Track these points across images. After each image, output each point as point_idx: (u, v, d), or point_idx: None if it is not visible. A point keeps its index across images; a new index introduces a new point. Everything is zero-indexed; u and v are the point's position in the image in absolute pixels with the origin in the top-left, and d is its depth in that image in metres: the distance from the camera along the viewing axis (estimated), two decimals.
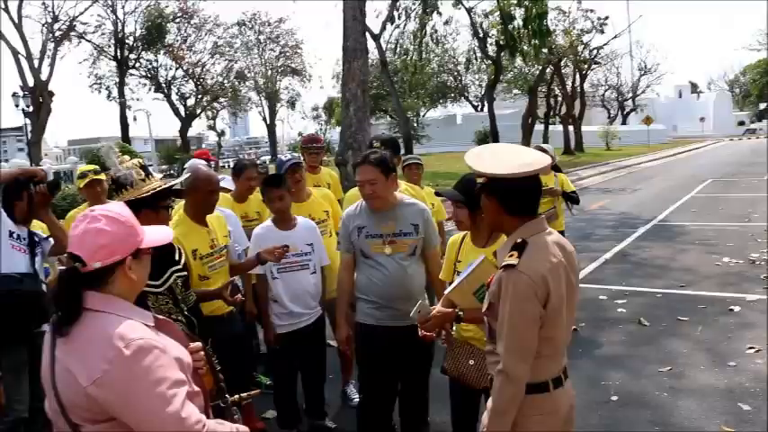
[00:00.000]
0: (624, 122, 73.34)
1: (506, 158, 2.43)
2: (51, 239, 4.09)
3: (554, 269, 2.35)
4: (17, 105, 30.63)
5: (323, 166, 6.29)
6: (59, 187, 3.98)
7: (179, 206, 4.14)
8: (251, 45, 47.62)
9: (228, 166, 56.25)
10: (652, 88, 72.74)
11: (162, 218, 2.97)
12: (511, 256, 2.34)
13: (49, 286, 4.55)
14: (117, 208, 1.91)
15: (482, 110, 51.49)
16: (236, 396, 2.48)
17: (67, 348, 1.75)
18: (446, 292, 3.28)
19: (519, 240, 2.37)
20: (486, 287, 2.55)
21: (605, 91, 69.10)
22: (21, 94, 30.39)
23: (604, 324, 6.78)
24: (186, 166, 4.83)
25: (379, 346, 3.84)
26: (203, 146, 74.12)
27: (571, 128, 48.06)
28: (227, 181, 6.09)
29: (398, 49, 33.62)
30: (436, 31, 31.38)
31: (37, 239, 4.05)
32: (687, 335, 6.26)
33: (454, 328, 3.39)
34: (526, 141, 34.55)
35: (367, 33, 19.03)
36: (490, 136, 34.72)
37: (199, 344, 2.13)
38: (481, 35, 31.37)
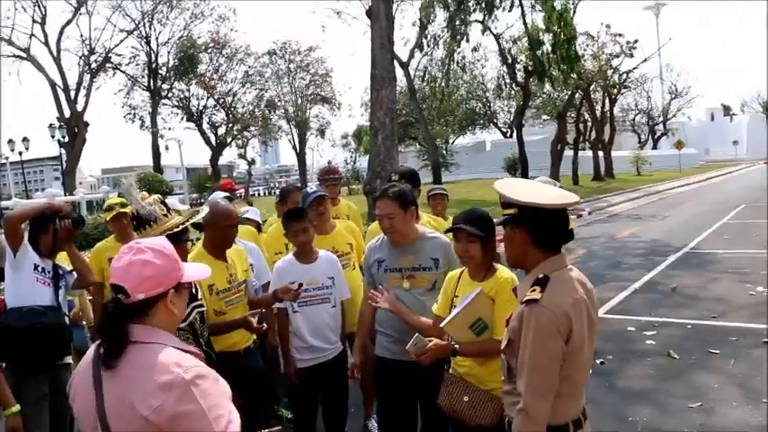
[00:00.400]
0: (655, 147, 72.49)
1: (540, 191, 2.43)
2: (75, 273, 4.16)
3: (576, 305, 2.31)
4: (53, 136, 31.43)
5: (342, 198, 6.30)
6: (84, 223, 4.08)
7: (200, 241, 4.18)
8: (281, 74, 48.09)
9: (259, 194, 56.81)
10: (683, 112, 71.75)
11: (183, 252, 3.01)
12: (533, 290, 2.31)
13: (71, 319, 4.64)
14: (162, 242, 1.95)
15: (511, 136, 51.36)
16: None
17: (119, 381, 1.77)
18: (442, 324, 3.27)
19: (541, 276, 2.34)
20: (508, 322, 2.51)
21: (635, 115, 68.44)
22: (57, 125, 31.19)
23: (632, 357, 6.65)
24: (208, 200, 4.90)
25: (396, 380, 3.81)
26: (234, 174, 75.03)
27: (601, 153, 47.67)
28: (252, 212, 6.15)
29: (427, 77, 33.84)
30: (464, 58, 31.59)
31: (61, 272, 4.14)
32: (718, 368, 6.10)
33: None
34: (555, 168, 34.35)
35: (395, 61, 19.25)
36: (519, 162, 34.59)
37: None
38: (509, 61, 31.46)
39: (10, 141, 36.77)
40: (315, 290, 4.30)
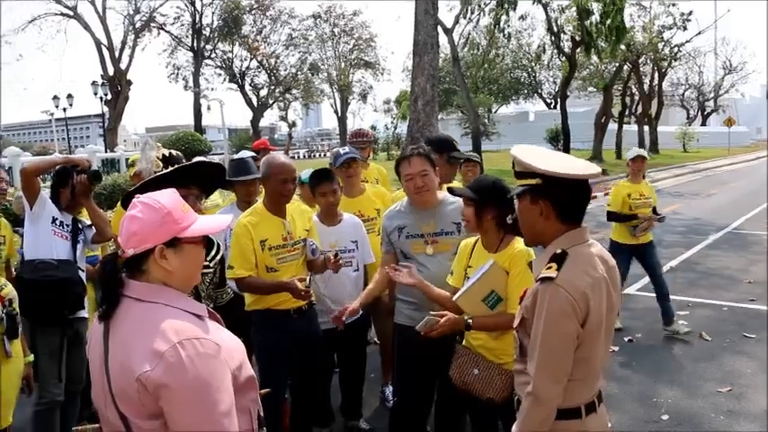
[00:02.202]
0: (704, 123, 70.49)
1: (566, 161, 2.27)
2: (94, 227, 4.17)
3: (595, 284, 2.15)
4: (95, 93, 31.91)
5: (372, 162, 6.19)
6: (100, 178, 4.06)
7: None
8: (325, 37, 47.83)
9: (298, 157, 57.03)
10: (736, 88, 69.35)
11: None
12: (549, 267, 2.16)
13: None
14: (158, 195, 1.86)
15: (555, 107, 50.51)
16: None
17: (119, 337, 1.74)
18: (454, 298, 3.17)
19: (558, 251, 2.19)
20: (522, 298, 2.40)
21: (685, 90, 66.49)
22: (100, 82, 31.64)
23: (662, 336, 6.49)
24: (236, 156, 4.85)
25: (417, 349, 3.66)
26: (275, 136, 75.27)
27: (647, 128, 46.61)
28: None
29: (470, 44, 33.30)
30: (509, 26, 30.92)
31: (80, 227, 4.14)
32: (753, 353, 5.90)
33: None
34: (598, 141, 33.75)
35: (439, 27, 18.93)
36: (562, 134, 34.01)
37: None
38: (556, 31, 30.74)
39: (55, 98, 37.47)
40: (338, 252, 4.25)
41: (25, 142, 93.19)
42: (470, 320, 3.11)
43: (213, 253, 3.07)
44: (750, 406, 4.80)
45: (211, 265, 3.03)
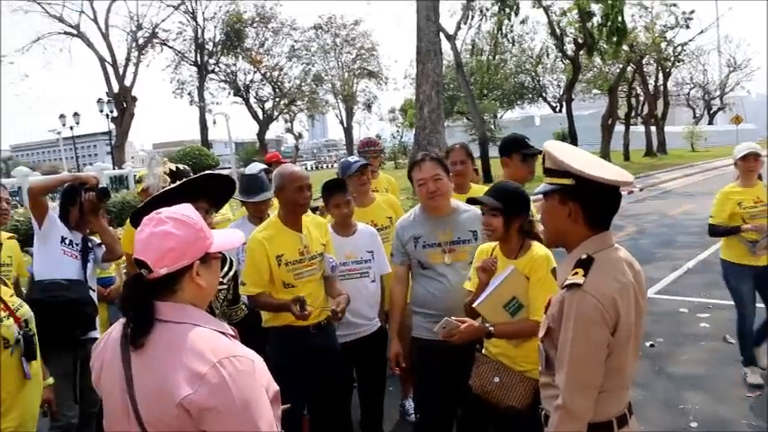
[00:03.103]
0: (711, 122, 70.16)
1: (601, 164, 2.15)
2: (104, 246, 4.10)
3: (624, 290, 2.06)
4: (101, 111, 32.12)
5: (381, 172, 6.09)
6: (108, 195, 4.00)
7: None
8: (327, 48, 47.96)
9: (307, 168, 57.14)
10: (742, 85, 68.83)
11: None
12: (575, 273, 2.06)
13: (110, 295, 4.60)
14: (184, 210, 1.79)
15: (560, 110, 50.37)
16: None
17: (148, 363, 1.65)
18: (475, 304, 3.08)
19: (584, 256, 2.09)
20: (547, 307, 2.29)
21: (690, 89, 66.11)
22: (105, 99, 31.86)
23: (684, 340, 6.34)
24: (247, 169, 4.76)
25: (437, 363, 3.58)
26: (282, 148, 75.42)
27: (653, 128, 46.40)
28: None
29: (474, 50, 33.27)
30: (512, 31, 30.86)
31: (90, 246, 4.08)
32: None
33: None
34: (606, 143, 33.61)
35: (441, 34, 18.87)
36: (569, 137, 33.89)
37: None
38: (558, 33, 30.68)
39: (61, 116, 37.69)
40: (353, 264, 4.17)
41: (35, 162, 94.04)
42: (492, 328, 3.02)
43: (226, 269, 2.97)
44: None
45: (225, 281, 2.93)
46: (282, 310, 3.57)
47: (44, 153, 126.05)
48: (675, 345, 6.23)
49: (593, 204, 2.11)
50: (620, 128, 40.54)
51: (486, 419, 3.61)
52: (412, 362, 3.88)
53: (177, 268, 1.70)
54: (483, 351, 3.26)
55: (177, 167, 3.12)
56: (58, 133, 40.23)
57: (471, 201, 3.36)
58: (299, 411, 3.82)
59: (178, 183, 2.75)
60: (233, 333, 1.83)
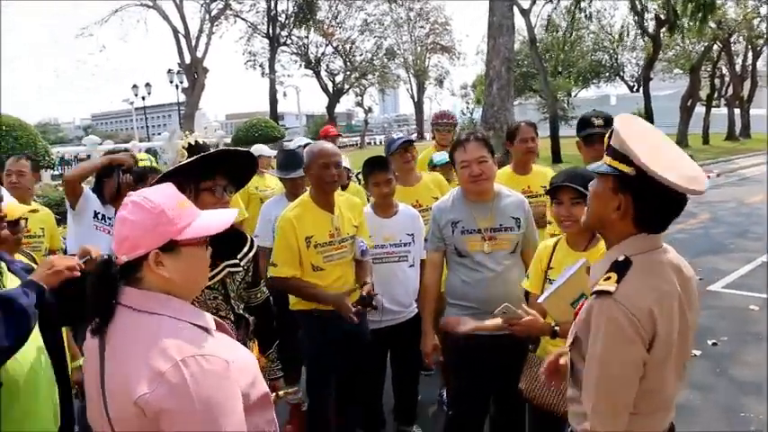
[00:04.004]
0: None
1: (675, 160, 1.81)
2: None
3: (664, 300, 1.79)
4: (171, 81, 32.81)
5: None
6: (145, 179, 3.92)
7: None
8: (401, 22, 47.63)
9: (375, 142, 57.24)
10: None
11: (201, 203, 2.44)
12: (607, 278, 1.80)
13: None
14: (151, 191, 1.66)
15: (638, 90, 48.61)
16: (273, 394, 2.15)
17: (114, 352, 1.54)
18: (540, 300, 2.83)
19: (621, 258, 1.83)
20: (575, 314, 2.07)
21: None
22: (176, 70, 32.51)
23: (751, 340, 5.93)
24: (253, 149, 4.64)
25: (473, 358, 3.36)
26: (352, 122, 75.49)
27: (737, 111, 44.28)
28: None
29: (549, 26, 32.38)
30: (590, 6, 29.82)
31: None
32: None
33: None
34: (684, 125, 32.29)
35: (515, 8, 18.36)
36: (645, 118, 32.65)
37: None
38: (639, 9, 29.46)
39: (134, 87, 38.73)
40: (392, 246, 4.02)
41: (111, 131, 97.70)
42: (557, 327, 2.73)
43: (246, 250, 2.82)
44: None
45: (242, 263, 2.78)
46: (326, 303, 3.46)
47: (120, 122, 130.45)
48: (741, 344, 5.84)
49: (649, 204, 1.82)
50: (699, 109, 38.84)
51: (521, 420, 3.43)
52: (446, 358, 3.71)
53: (134, 257, 1.58)
54: (537, 352, 3.07)
55: (197, 141, 2.99)
56: (131, 103, 41.39)
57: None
58: (328, 398, 3.73)
59: (192, 158, 2.60)
60: (219, 326, 1.70)
